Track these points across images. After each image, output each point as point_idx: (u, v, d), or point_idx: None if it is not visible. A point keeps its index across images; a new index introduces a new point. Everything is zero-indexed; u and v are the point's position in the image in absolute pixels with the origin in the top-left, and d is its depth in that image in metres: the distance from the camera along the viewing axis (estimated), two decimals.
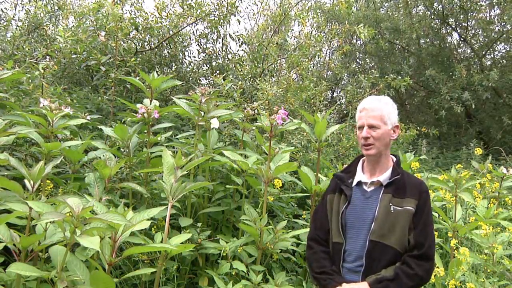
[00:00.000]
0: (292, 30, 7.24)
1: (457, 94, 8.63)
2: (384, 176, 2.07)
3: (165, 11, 5.79)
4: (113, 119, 4.48)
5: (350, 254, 2.04)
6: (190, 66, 6.44)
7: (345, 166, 2.41)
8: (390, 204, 2.00)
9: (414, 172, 4.39)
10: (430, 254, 1.97)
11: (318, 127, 3.53)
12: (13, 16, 6.00)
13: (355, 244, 2.03)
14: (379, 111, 2.05)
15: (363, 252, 2.00)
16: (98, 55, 4.73)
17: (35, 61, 4.27)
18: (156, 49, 5.81)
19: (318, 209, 2.25)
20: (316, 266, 2.10)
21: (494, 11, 9.92)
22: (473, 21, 9.89)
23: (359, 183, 2.13)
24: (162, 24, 5.73)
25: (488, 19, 9.75)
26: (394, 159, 2.15)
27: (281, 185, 3.43)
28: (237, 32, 6.52)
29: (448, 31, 10.38)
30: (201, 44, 6.50)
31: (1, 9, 6.09)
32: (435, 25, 10.06)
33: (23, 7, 6.12)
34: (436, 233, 3.55)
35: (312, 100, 5.43)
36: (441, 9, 9.63)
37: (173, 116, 4.87)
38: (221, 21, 6.06)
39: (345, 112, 7.60)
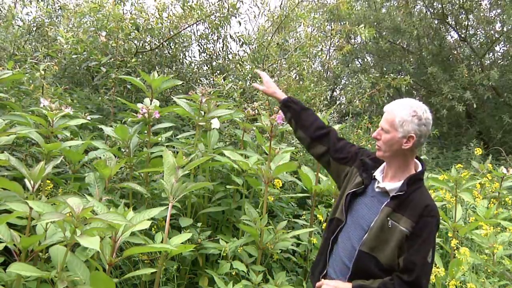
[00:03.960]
0: (296, 30, 7.22)
1: (458, 94, 8.63)
2: (392, 186, 1.96)
3: (165, 12, 5.79)
4: (114, 119, 4.48)
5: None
6: (190, 67, 6.44)
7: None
8: (388, 218, 1.90)
9: None
10: (418, 284, 1.82)
11: None
12: (16, 16, 5.98)
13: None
14: (392, 115, 1.95)
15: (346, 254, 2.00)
16: (98, 56, 4.73)
17: (35, 61, 4.27)
18: (157, 50, 5.81)
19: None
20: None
21: (495, 11, 9.92)
22: (473, 21, 9.89)
23: (374, 178, 2.07)
24: (162, 25, 5.72)
25: (488, 19, 9.75)
26: (414, 171, 1.98)
27: (281, 185, 3.43)
28: (238, 33, 6.49)
29: (448, 30, 10.38)
30: (201, 45, 6.49)
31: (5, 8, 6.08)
32: (434, 25, 10.06)
33: (24, 7, 6.11)
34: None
35: (312, 100, 5.43)
36: (440, 8, 9.63)
37: (174, 116, 4.87)
38: (222, 22, 6.05)
39: (345, 112, 7.59)
